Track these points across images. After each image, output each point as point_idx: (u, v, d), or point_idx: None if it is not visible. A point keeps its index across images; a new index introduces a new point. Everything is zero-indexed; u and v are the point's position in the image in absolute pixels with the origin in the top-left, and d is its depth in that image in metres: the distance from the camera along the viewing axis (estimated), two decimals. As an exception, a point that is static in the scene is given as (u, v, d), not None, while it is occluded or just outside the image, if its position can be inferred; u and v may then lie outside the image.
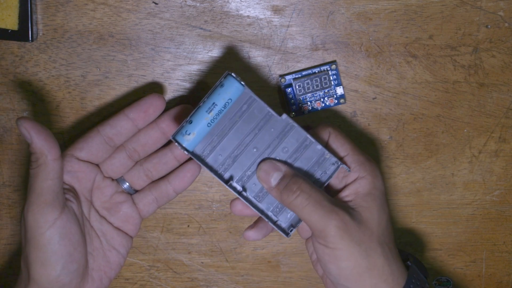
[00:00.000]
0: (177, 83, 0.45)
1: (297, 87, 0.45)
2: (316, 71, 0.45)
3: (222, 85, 0.37)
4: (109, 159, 0.42)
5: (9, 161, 0.46)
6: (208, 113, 0.37)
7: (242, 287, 0.49)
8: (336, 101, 0.46)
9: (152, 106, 0.41)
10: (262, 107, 0.39)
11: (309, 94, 0.45)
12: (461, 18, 0.45)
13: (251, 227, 0.42)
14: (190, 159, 0.43)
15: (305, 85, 0.45)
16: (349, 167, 0.40)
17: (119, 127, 0.41)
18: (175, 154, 0.43)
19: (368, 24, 0.45)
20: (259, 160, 0.40)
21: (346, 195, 0.40)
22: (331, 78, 0.45)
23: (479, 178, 0.49)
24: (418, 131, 0.47)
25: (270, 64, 0.45)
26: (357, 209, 0.39)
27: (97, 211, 0.42)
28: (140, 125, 0.42)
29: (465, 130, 0.47)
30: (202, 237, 0.48)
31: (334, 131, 0.41)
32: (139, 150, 0.42)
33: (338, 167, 0.40)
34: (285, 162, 0.40)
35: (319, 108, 0.46)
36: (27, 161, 0.46)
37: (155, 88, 0.45)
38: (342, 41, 0.45)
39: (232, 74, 0.37)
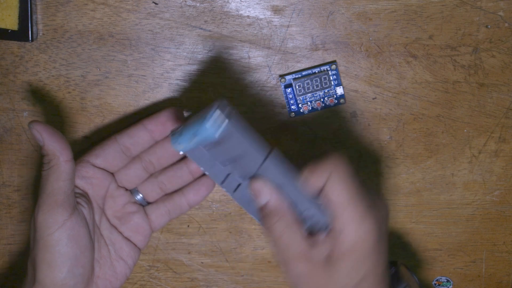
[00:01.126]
0: (177, 83, 0.45)
1: (297, 87, 0.45)
2: (316, 71, 0.45)
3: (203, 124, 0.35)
4: (124, 169, 0.42)
5: (9, 161, 0.46)
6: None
7: (242, 287, 0.49)
8: (336, 101, 0.46)
9: (170, 119, 0.41)
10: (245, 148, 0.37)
11: (309, 94, 0.45)
12: (461, 18, 0.45)
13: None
14: (204, 173, 0.43)
15: (305, 85, 0.45)
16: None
17: (137, 137, 0.41)
18: (191, 169, 0.43)
19: (368, 24, 0.45)
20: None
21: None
22: (331, 78, 0.45)
23: (479, 178, 0.49)
24: (418, 131, 0.47)
25: (270, 64, 0.45)
26: (330, 262, 0.36)
27: (108, 220, 0.43)
28: (158, 137, 0.42)
29: (465, 130, 0.47)
30: (202, 237, 0.48)
31: (335, 174, 0.36)
32: (154, 162, 0.42)
33: (326, 229, 0.37)
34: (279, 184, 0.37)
35: (319, 108, 0.46)
36: (27, 161, 0.46)
37: (155, 88, 0.45)
38: (342, 41, 0.45)
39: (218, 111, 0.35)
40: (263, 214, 0.38)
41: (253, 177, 0.37)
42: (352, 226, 0.36)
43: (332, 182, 0.36)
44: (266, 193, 0.37)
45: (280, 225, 0.37)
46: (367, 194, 0.37)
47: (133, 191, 0.43)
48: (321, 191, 0.37)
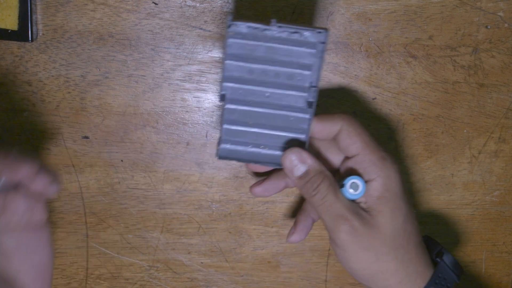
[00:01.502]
0: (176, 83, 0.45)
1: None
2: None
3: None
4: None
5: (9, 161, 0.46)
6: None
7: (242, 287, 0.49)
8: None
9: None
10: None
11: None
12: (461, 18, 0.45)
13: (259, 183, 0.42)
14: None
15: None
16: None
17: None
18: None
19: (368, 24, 0.45)
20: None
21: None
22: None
23: (479, 179, 0.49)
24: (418, 131, 0.47)
25: (270, 64, 0.45)
26: (371, 213, 0.38)
27: None
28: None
29: (465, 131, 0.47)
30: (202, 237, 0.48)
31: (347, 127, 0.39)
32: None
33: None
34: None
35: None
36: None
37: (155, 88, 0.45)
38: (342, 42, 0.45)
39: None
40: (304, 181, 0.38)
41: (289, 146, 0.38)
42: (375, 169, 0.38)
43: (346, 130, 0.39)
44: (304, 159, 0.38)
45: (324, 186, 0.38)
46: (378, 144, 0.39)
47: None
48: (333, 139, 0.39)
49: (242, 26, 0.34)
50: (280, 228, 0.48)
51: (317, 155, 0.42)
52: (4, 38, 0.43)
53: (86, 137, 0.46)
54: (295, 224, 0.43)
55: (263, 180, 0.43)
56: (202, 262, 0.49)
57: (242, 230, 0.48)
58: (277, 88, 0.37)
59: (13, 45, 0.44)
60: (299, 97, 0.37)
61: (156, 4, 0.44)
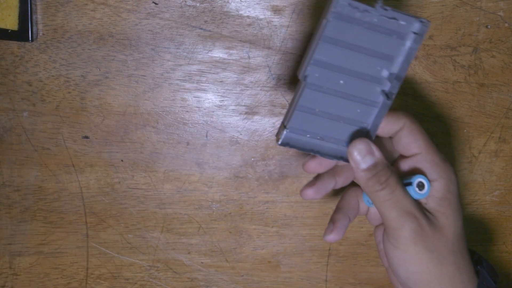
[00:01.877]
0: (177, 83, 0.45)
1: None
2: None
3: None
4: None
5: (9, 161, 0.46)
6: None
7: (242, 287, 0.49)
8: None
9: None
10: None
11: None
12: (461, 18, 0.45)
13: (310, 185, 0.40)
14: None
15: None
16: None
17: None
18: None
19: (368, 24, 0.45)
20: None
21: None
22: None
23: (479, 178, 0.49)
24: (418, 131, 0.47)
25: (270, 64, 0.45)
26: (434, 214, 0.37)
27: None
28: None
29: (465, 130, 0.47)
30: (202, 237, 0.48)
31: (410, 124, 0.37)
32: None
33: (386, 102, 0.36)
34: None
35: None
36: (27, 161, 0.46)
37: (155, 88, 0.45)
38: (342, 41, 0.45)
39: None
40: (372, 174, 0.36)
41: (354, 137, 0.37)
42: (437, 169, 0.37)
43: (409, 127, 0.37)
44: (373, 151, 0.36)
45: (393, 181, 0.36)
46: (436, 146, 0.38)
47: None
48: (393, 137, 0.38)
49: (344, 4, 0.33)
50: (280, 228, 0.48)
51: None
52: (4, 38, 0.43)
53: (86, 137, 0.46)
54: (334, 222, 0.41)
55: (314, 182, 0.40)
56: (202, 262, 0.49)
57: (242, 230, 0.48)
58: (355, 77, 0.35)
59: (13, 45, 0.44)
60: (374, 90, 0.36)
61: (156, 4, 0.44)
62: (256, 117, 0.46)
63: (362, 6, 0.33)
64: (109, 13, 0.44)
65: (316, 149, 0.37)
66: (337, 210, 0.43)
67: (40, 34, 0.44)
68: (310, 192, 0.40)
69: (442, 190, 0.37)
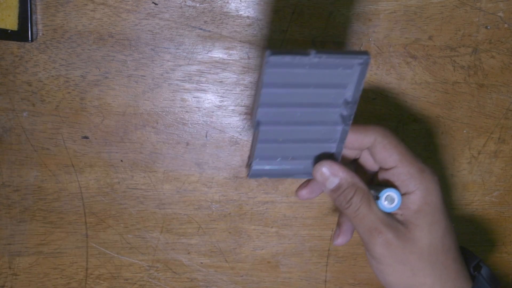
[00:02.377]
0: (176, 83, 0.45)
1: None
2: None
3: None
4: None
5: (8, 161, 0.46)
6: None
7: (241, 287, 0.49)
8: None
9: None
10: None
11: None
12: (461, 19, 0.45)
13: (304, 186, 0.41)
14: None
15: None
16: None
17: None
18: None
19: (368, 24, 0.45)
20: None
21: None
22: None
23: (479, 179, 0.49)
24: (418, 131, 0.47)
25: (269, 64, 0.45)
26: (407, 226, 0.37)
27: None
28: None
29: (465, 131, 0.47)
30: (202, 237, 0.48)
31: (381, 140, 0.37)
32: None
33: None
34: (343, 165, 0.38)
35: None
36: (26, 161, 0.46)
37: (155, 88, 0.45)
38: (342, 42, 0.45)
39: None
40: (337, 194, 0.37)
41: (315, 162, 0.37)
42: (413, 181, 0.37)
43: (381, 142, 0.37)
44: (336, 173, 0.37)
45: (357, 199, 0.37)
46: (415, 155, 0.38)
47: None
48: (366, 151, 0.38)
49: (279, 59, 0.33)
50: (279, 228, 0.48)
51: (352, 163, 0.41)
52: (4, 38, 0.43)
53: (86, 137, 0.46)
54: (339, 226, 0.42)
55: (307, 183, 0.42)
56: (201, 262, 0.49)
57: (241, 230, 0.48)
58: (310, 107, 0.36)
59: (13, 45, 0.44)
60: (332, 112, 0.36)
61: (156, 4, 0.44)
62: (255, 118, 0.46)
63: (298, 57, 0.33)
64: (109, 13, 0.44)
65: (288, 173, 0.38)
66: (341, 213, 0.43)
67: (40, 34, 0.44)
68: (304, 193, 0.41)
69: (418, 202, 0.37)
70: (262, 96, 0.35)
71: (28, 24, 0.42)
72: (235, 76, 0.45)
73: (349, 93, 0.35)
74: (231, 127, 0.46)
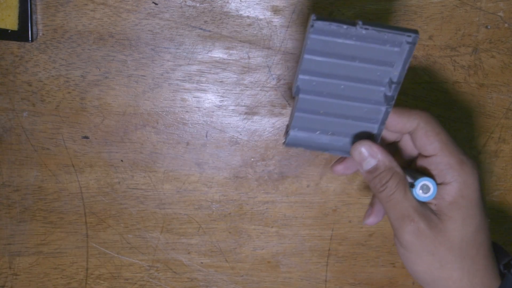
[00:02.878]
0: (177, 83, 0.45)
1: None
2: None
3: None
4: None
5: (8, 161, 0.46)
6: None
7: (241, 287, 0.49)
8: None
9: None
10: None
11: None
12: (461, 18, 0.45)
13: (340, 161, 0.41)
14: None
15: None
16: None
17: None
18: None
19: (368, 24, 0.45)
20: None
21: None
22: None
23: (479, 179, 0.49)
24: (418, 131, 0.47)
25: (270, 64, 0.45)
26: (440, 217, 0.36)
27: None
28: None
29: (465, 131, 0.47)
30: (202, 237, 0.48)
31: (424, 125, 0.36)
32: None
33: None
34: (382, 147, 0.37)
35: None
36: (27, 161, 0.46)
37: (155, 88, 0.45)
38: (342, 42, 0.45)
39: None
40: (373, 176, 0.37)
41: (354, 141, 0.37)
42: (452, 172, 0.36)
43: (423, 127, 0.36)
44: (375, 154, 0.36)
45: (393, 183, 0.36)
46: (457, 145, 0.37)
47: None
48: (408, 135, 0.38)
49: (325, 25, 0.33)
50: (279, 228, 0.48)
51: (391, 146, 0.40)
52: (4, 38, 0.43)
53: (86, 137, 0.46)
54: (372, 206, 0.42)
55: (344, 158, 0.41)
56: (202, 262, 0.49)
57: (242, 230, 0.48)
58: (354, 82, 0.35)
59: (13, 45, 0.44)
60: (377, 91, 0.36)
61: (156, 4, 0.44)
62: (256, 117, 0.46)
63: (342, 28, 0.33)
64: (109, 13, 0.44)
65: (324, 148, 0.38)
66: (374, 195, 0.43)
67: (40, 34, 0.44)
68: (339, 168, 0.41)
69: (454, 194, 0.36)
70: (304, 62, 0.34)
71: (28, 24, 0.42)
72: (235, 76, 0.45)
73: (395, 72, 0.35)
74: (231, 127, 0.46)
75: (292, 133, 0.37)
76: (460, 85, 0.46)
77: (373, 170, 0.37)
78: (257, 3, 0.44)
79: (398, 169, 0.37)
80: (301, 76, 0.35)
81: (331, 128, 0.37)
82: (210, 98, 0.46)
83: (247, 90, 0.46)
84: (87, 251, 0.48)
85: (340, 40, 0.34)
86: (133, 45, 0.44)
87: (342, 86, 0.35)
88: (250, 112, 0.46)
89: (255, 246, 0.49)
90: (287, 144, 0.37)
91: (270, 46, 0.45)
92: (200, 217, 0.48)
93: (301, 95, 0.35)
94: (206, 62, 0.45)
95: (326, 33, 0.33)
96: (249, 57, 0.45)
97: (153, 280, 0.49)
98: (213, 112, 0.46)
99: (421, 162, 0.38)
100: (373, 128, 0.37)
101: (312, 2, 0.44)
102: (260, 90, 0.46)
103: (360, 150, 0.37)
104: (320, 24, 0.32)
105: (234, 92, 0.46)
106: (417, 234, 0.36)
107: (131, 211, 0.47)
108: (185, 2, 0.44)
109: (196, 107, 0.46)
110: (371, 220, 0.41)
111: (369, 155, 0.36)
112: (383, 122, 0.37)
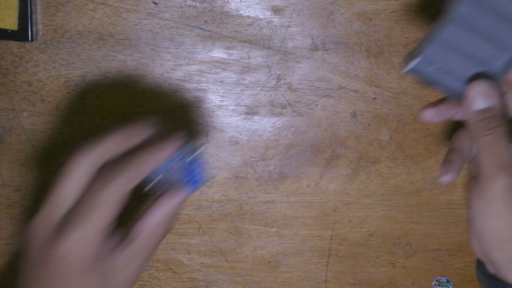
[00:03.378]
0: (177, 83, 0.45)
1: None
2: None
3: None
4: None
5: (9, 161, 0.46)
6: None
7: (241, 287, 0.49)
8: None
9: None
10: None
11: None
12: (461, 18, 0.45)
13: (432, 106, 0.39)
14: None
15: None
16: None
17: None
18: None
19: (368, 24, 0.45)
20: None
21: None
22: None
23: (479, 179, 0.48)
24: (418, 131, 0.47)
25: (270, 64, 0.45)
26: None
27: None
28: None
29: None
30: (202, 237, 0.48)
31: None
32: None
33: None
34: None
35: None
36: (27, 161, 0.46)
37: (155, 88, 0.45)
38: (342, 41, 0.45)
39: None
40: (481, 117, 0.36)
41: (476, 78, 0.36)
42: None
43: None
44: (492, 96, 0.36)
45: (500, 130, 0.35)
46: None
47: None
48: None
49: None
50: (280, 228, 0.48)
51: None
52: (4, 38, 0.43)
53: (87, 137, 0.46)
54: (450, 163, 0.40)
55: (437, 103, 0.39)
56: (202, 262, 0.49)
57: (242, 230, 0.48)
58: (501, 20, 0.35)
59: (13, 45, 0.44)
60: None
61: (156, 4, 0.44)
62: (256, 117, 0.46)
63: None
64: (109, 13, 0.44)
65: (438, 82, 0.37)
66: (451, 151, 0.41)
67: (40, 34, 0.44)
68: (430, 113, 0.39)
69: None
70: None
71: (28, 24, 0.42)
72: (235, 75, 0.45)
73: None
74: (231, 127, 0.46)
75: (418, 59, 0.36)
76: (460, 85, 0.46)
77: (485, 111, 0.36)
78: (257, 3, 0.44)
79: (507, 120, 0.36)
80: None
81: (452, 66, 0.36)
82: (210, 98, 0.46)
83: (247, 90, 0.46)
84: (87, 251, 0.48)
85: None
86: (133, 45, 0.44)
87: (488, 20, 0.35)
88: (250, 112, 0.46)
89: (255, 246, 0.49)
90: (408, 69, 0.36)
91: (270, 46, 0.45)
92: (200, 217, 0.48)
93: (453, 23, 0.35)
94: (206, 62, 0.45)
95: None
96: (249, 57, 0.45)
97: (153, 280, 0.49)
98: (213, 112, 0.46)
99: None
100: (494, 72, 0.36)
101: (312, 2, 0.44)
102: (260, 90, 0.46)
103: (477, 88, 0.36)
104: None
105: (234, 92, 0.46)
106: (509, 188, 0.35)
107: (131, 211, 0.47)
108: (185, 2, 0.44)
109: (196, 107, 0.46)
110: (449, 177, 0.39)
111: (486, 95, 0.36)
112: (508, 67, 0.36)
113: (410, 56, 0.37)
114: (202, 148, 0.39)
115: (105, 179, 0.34)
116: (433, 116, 0.39)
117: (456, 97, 0.37)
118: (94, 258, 0.34)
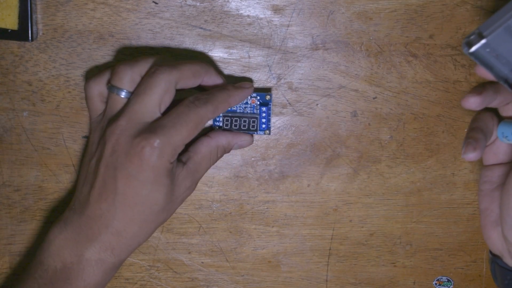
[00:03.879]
0: (177, 82, 0.45)
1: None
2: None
3: None
4: None
5: (9, 161, 0.46)
6: None
7: (242, 287, 0.49)
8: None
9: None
10: None
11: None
12: (462, 17, 0.45)
13: (476, 93, 0.39)
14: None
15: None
16: None
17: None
18: None
19: (369, 23, 0.45)
20: None
21: None
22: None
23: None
24: (419, 130, 0.47)
25: (270, 63, 0.45)
26: None
27: None
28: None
29: (466, 130, 0.47)
30: (202, 237, 0.48)
31: None
32: None
33: None
34: None
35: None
36: (27, 161, 0.46)
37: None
38: (342, 41, 0.45)
39: None
40: None
41: None
42: None
43: None
44: None
45: None
46: None
47: None
48: None
49: None
50: (280, 228, 0.48)
51: None
52: (4, 37, 0.43)
53: (87, 137, 0.46)
54: (476, 140, 0.39)
55: (481, 91, 0.39)
56: (202, 262, 0.49)
57: (242, 230, 0.48)
58: None
59: (13, 44, 0.44)
60: None
61: (156, 3, 0.44)
62: (256, 117, 0.46)
63: None
64: (109, 12, 0.44)
65: (495, 67, 0.36)
66: (476, 129, 0.41)
67: (40, 34, 0.44)
68: (474, 100, 0.39)
69: None
70: None
71: (28, 23, 0.42)
72: (236, 75, 0.45)
73: None
74: (231, 127, 0.46)
75: (483, 42, 0.35)
76: (461, 84, 0.46)
77: None
78: (257, 2, 0.44)
79: None
80: None
81: (510, 55, 0.36)
82: (210, 98, 0.46)
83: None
84: (87, 251, 0.48)
85: None
86: (133, 45, 0.44)
87: None
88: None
89: (255, 245, 0.49)
90: (474, 51, 0.36)
91: (271, 45, 0.45)
92: (200, 217, 0.48)
93: None
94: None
95: None
96: (249, 57, 0.45)
97: (153, 280, 0.49)
98: (213, 111, 0.46)
99: None
100: None
101: (312, 1, 0.44)
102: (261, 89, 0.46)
103: None
104: None
105: (235, 91, 0.46)
106: None
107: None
108: (185, 1, 0.44)
109: (197, 106, 0.46)
110: (475, 155, 0.39)
111: None
112: None
113: (476, 36, 0.36)
114: (269, 95, 0.44)
115: (194, 103, 0.39)
116: (478, 104, 0.39)
117: (508, 84, 0.37)
118: (170, 166, 0.38)
